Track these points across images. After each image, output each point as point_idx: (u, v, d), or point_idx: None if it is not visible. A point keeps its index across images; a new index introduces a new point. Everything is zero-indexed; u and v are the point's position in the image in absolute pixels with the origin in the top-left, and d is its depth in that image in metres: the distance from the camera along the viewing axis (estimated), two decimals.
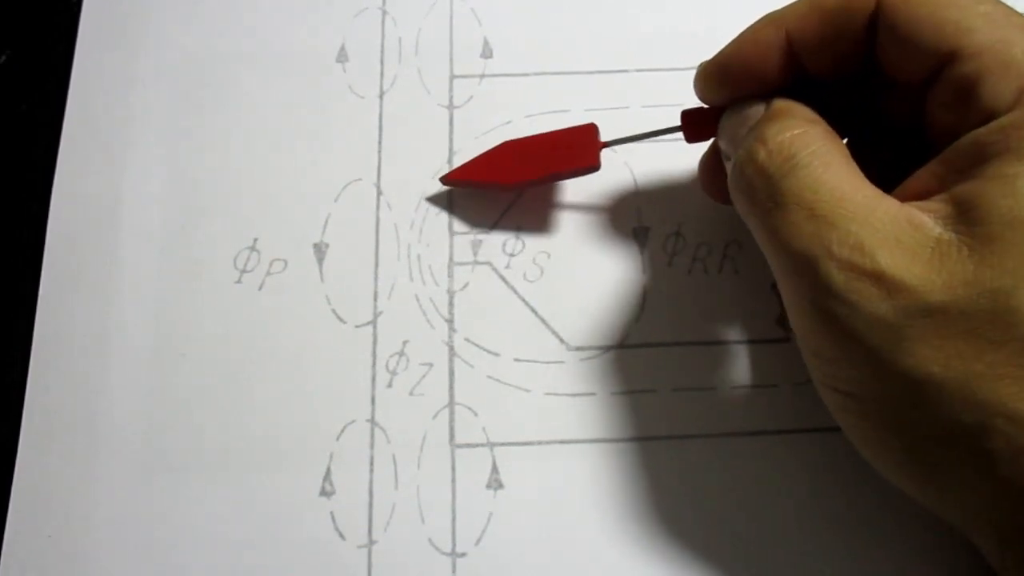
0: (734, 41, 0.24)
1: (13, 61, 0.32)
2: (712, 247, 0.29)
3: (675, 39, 0.32)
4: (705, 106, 0.26)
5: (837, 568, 0.25)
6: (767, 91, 0.24)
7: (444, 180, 0.30)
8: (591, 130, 0.28)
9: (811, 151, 0.21)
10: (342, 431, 0.27)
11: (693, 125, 0.26)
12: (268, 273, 0.29)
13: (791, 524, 0.26)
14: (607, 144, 0.28)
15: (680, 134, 0.27)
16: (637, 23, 0.32)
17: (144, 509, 0.26)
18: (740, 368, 0.28)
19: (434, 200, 0.30)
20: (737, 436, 0.27)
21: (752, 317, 0.28)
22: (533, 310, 0.29)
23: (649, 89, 0.31)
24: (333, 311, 0.29)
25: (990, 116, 0.20)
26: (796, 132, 0.22)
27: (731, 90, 0.24)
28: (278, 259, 0.29)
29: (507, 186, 0.29)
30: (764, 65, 0.23)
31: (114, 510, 0.26)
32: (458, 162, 0.30)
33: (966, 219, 0.19)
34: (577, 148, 0.28)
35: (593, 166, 0.28)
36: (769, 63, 0.23)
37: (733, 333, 0.28)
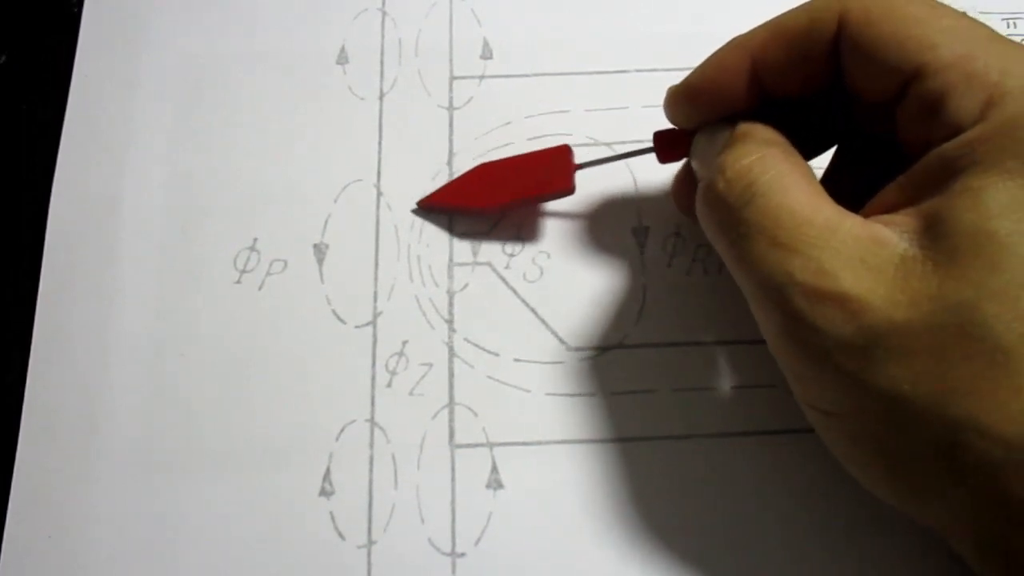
0: (700, 66, 0.24)
1: (13, 61, 0.32)
2: (712, 247, 0.29)
3: (675, 39, 0.32)
4: (675, 128, 0.26)
5: (839, 568, 0.25)
6: (735, 113, 0.24)
7: (421, 204, 0.30)
8: (565, 152, 0.28)
9: (769, 177, 0.21)
10: (342, 431, 0.27)
11: (665, 146, 0.26)
12: (268, 273, 0.29)
13: (791, 524, 0.26)
14: (580, 166, 0.28)
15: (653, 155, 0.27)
16: (637, 23, 0.32)
17: (144, 509, 0.26)
18: (740, 368, 0.28)
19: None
20: (737, 436, 0.27)
21: (752, 317, 0.28)
22: (533, 310, 0.29)
23: (649, 89, 0.31)
24: (333, 311, 0.29)
25: (957, 130, 0.20)
26: (753, 158, 0.22)
27: (699, 114, 0.24)
28: (278, 259, 0.29)
29: (483, 210, 0.29)
30: (730, 89, 0.23)
31: (114, 510, 0.26)
32: (458, 163, 0.30)
33: (932, 234, 0.19)
34: (552, 171, 0.28)
35: (567, 190, 0.28)
36: (734, 87, 0.23)
37: (733, 333, 0.28)
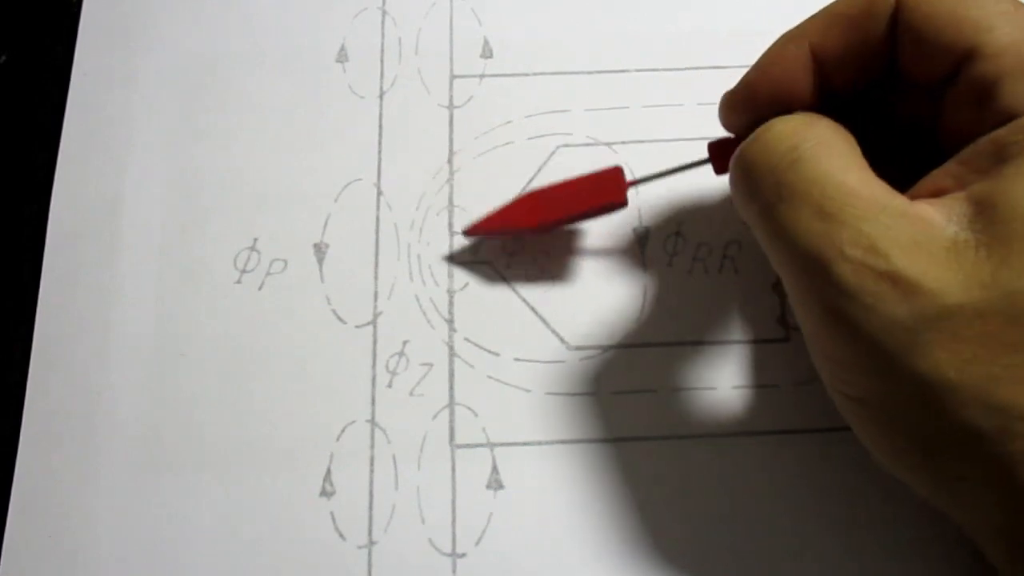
0: (757, 64, 0.23)
1: (13, 61, 0.32)
2: (712, 247, 0.29)
3: (676, 39, 0.32)
4: (731, 136, 0.25)
5: (837, 569, 0.25)
6: (794, 111, 0.23)
7: (467, 233, 0.29)
8: (617, 172, 0.27)
9: (815, 142, 0.20)
10: (342, 431, 0.27)
11: (721, 156, 0.25)
12: (268, 273, 0.29)
13: (791, 524, 0.26)
14: (633, 183, 0.27)
15: (701, 165, 0.26)
16: (636, 23, 0.32)
17: (144, 509, 0.26)
18: (740, 368, 0.28)
19: (436, 200, 0.30)
20: (737, 436, 0.27)
21: (752, 317, 0.28)
22: (533, 310, 0.29)
23: (649, 89, 0.31)
24: (333, 311, 0.29)
25: (1009, 116, 0.19)
26: (799, 122, 0.21)
27: (759, 114, 0.23)
28: (278, 259, 0.29)
29: (534, 230, 0.28)
30: (792, 84, 0.22)
31: (114, 510, 0.26)
32: (458, 162, 0.30)
33: (984, 218, 0.19)
34: (603, 189, 0.27)
35: (621, 202, 0.27)
36: (797, 81, 0.22)
37: (733, 333, 0.28)
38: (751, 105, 0.23)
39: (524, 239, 0.29)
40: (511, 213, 0.28)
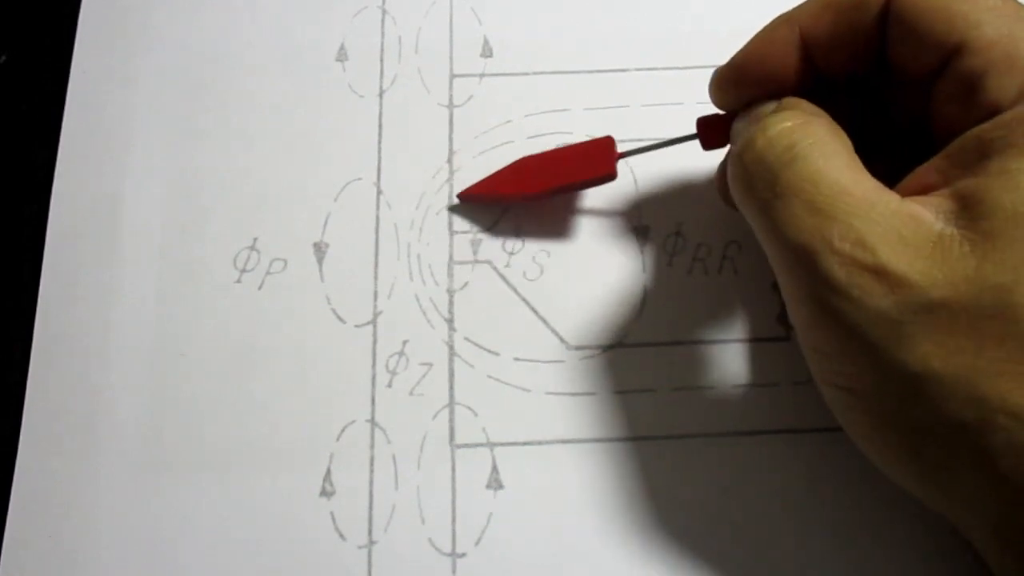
0: (749, 43, 0.24)
1: (13, 61, 0.32)
2: (712, 247, 0.29)
3: (675, 38, 0.32)
4: (721, 112, 0.26)
5: (835, 569, 0.25)
6: (782, 93, 0.24)
7: (461, 196, 0.29)
8: (608, 142, 0.28)
9: (811, 142, 0.21)
10: (342, 431, 0.27)
11: (709, 132, 0.26)
12: (268, 273, 0.29)
13: (790, 524, 0.26)
14: (623, 155, 0.28)
15: (694, 141, 0.26)
16: (637, 23, 0.32)
17: (144, 509, 0.26)
18: (740, 368, 0.28)
19: (436, 200, 0.30)
20: (737, 436, 0.27)
21: (752, 316, 0.28)
22: (533, 309, 0.28)
23: (649, 89, 0.31)
24: (333, 311, 0.29)
25: (994, 111, 0.20)
26: (797, 122, 0.22)
27: (747, 93, 0.24)
28: (278, 259, 0.29)
29: (524, 196, 0.29)
30: (780, 65, 0.23)
31: (114, 510, 0.26)
32: (458, 161, 0.30)
33: (969, 214, 0.19)
34: (594, 159, 0.28)
35: (610, 174, 0.27)
36: (785, 62, 0.23)
37: (733, 333, 0.28)
38: (740, 83, 0.24)
39: (523, 228, 0.29)
40: (502, 179, 0.29)
